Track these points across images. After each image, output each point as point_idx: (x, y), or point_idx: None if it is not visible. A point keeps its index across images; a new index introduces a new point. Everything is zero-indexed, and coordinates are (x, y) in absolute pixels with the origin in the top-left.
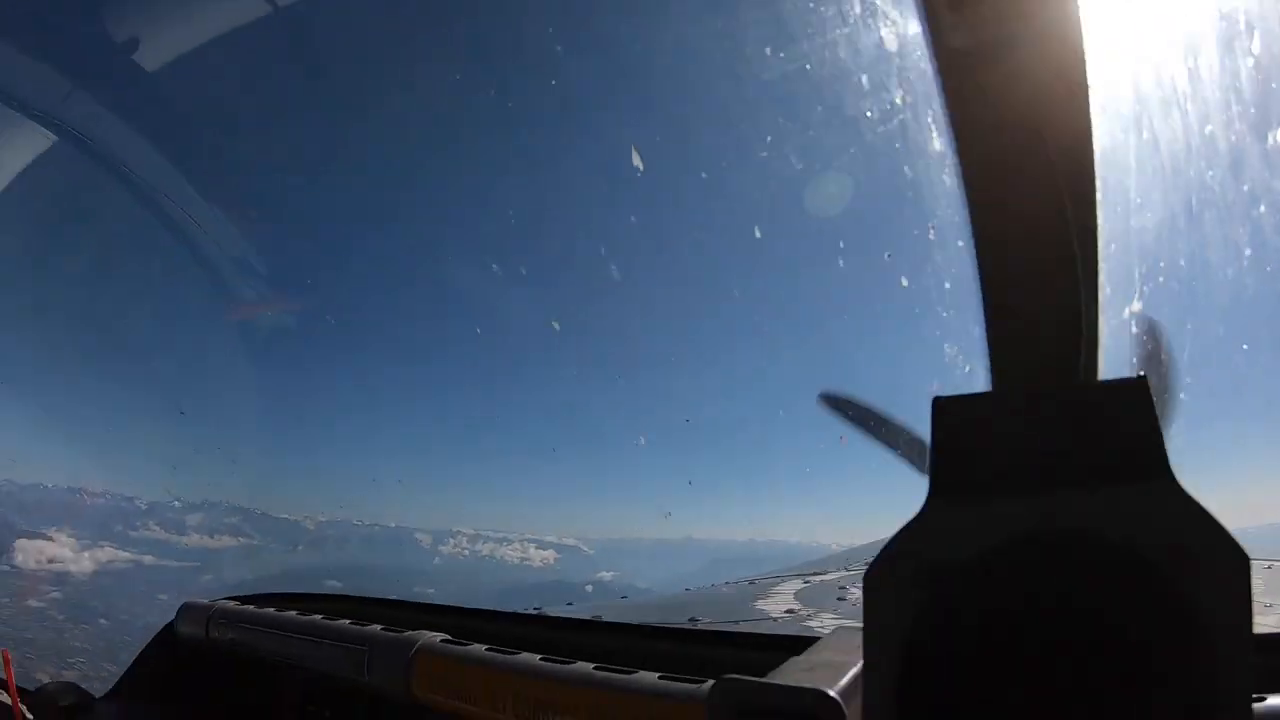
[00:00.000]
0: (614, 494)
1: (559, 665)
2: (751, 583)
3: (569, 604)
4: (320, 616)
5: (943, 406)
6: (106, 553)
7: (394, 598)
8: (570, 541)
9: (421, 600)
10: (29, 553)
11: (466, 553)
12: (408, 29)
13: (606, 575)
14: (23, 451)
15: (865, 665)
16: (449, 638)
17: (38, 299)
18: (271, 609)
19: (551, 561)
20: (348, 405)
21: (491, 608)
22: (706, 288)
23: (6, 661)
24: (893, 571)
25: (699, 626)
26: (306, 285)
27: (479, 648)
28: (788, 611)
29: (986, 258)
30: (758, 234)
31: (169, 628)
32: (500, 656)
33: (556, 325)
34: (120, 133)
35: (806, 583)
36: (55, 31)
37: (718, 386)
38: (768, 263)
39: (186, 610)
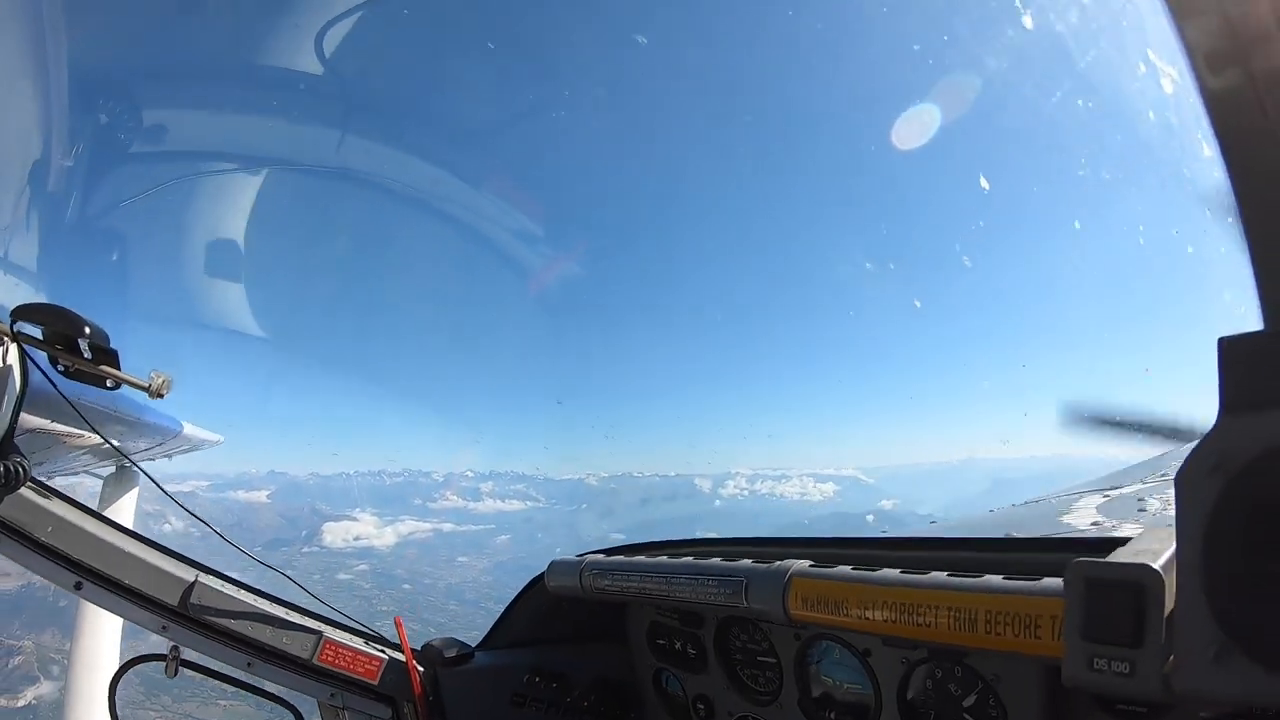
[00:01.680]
0: (890, 420)
1: (918, 575)
2: (1053, 501)
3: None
4: (690, 558)
5: (1227, 345)
6: (407, 525)
7: (736, 536)
8: (849, 472)
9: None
10: (336, 534)
11: (746, 493)
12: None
13: (887, 504)
14: (329, 446)
15: (1177, 545)
16: (814, 563)
17: (338, 308)
18: (641, 556)
19: (831, 494)
20: (627, 362)
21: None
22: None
23: (399, 625)
24: (1196, 471)
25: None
26: (589, 250)
27: (844, 569)
28: (1093, 524)
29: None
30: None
31: (535, 582)
32: (865, 573)
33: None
34: (406, 164)
35: (1105, 497)
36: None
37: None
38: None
39: (556, 566)
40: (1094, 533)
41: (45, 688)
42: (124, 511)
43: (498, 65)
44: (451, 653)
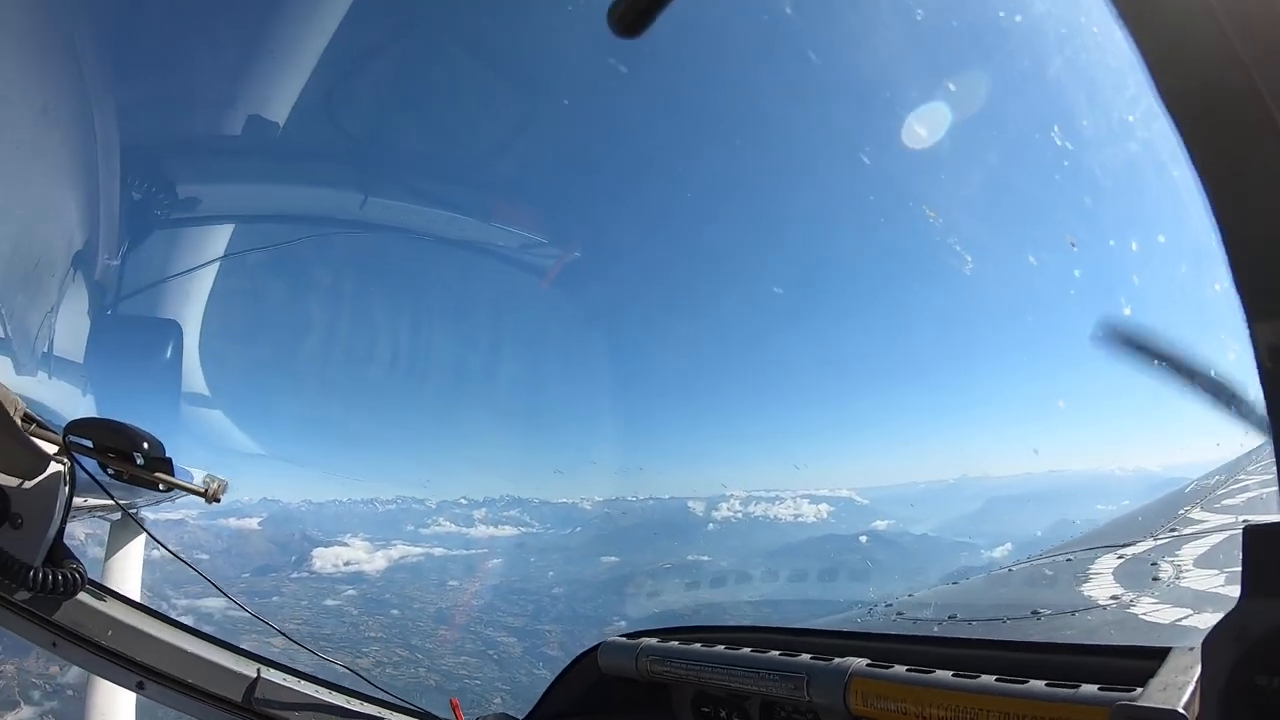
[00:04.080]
0: (883, 441)
1: (969, 679)
2: (1069, 560)
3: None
4: (749, 650)
5: (1251, 533)
6: (398, 550)
7: (792, 626)
8: (843, 493)
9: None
10: (326, 559)
11: (739, 515)
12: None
13: (881, 524)
14: (319, 474)
15: (1202, 696)
16: (872, 662)
17: (335, 338)
18: (698, 644)
19: (825, 515)
20: (620, 385)
21: (763, 568)
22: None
23: (456, 707)
24: (1220, 638)
25: (1060, 629)
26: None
27: (900, 669)
28: (1112, 598)
29: None
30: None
31: (582, 658)
32: (921, 675)
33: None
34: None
35: (1119, 558)
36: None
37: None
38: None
39: (609, 647)
40: (1115, 610)
41: (25, 713)
42: (132, 557)
43: (483, 88)
44: None
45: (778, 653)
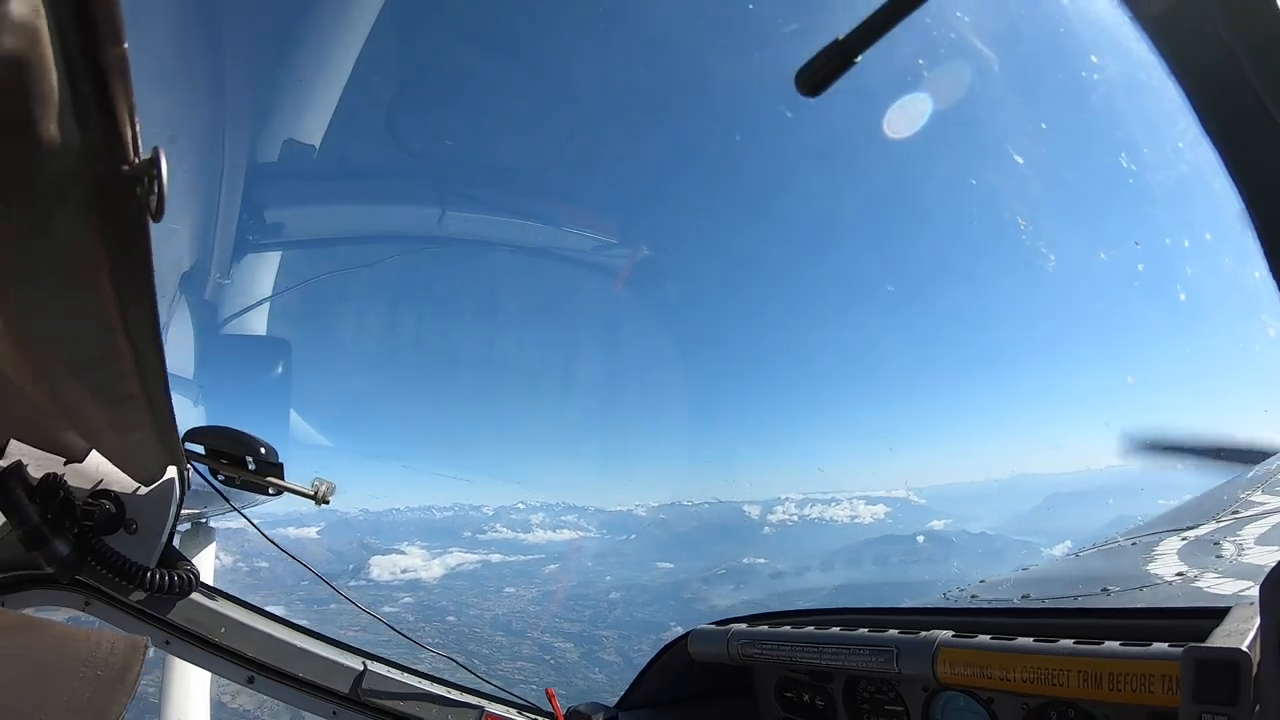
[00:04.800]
0: (939, 439)
1: (1050, 643)
2: (1133, 543)
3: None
4: (837, 629)
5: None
6: (455, 557)
7: (872, 606)
8: (900, 493)
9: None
10: (383, 567)
11: (795, 518)
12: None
13: (938, 524)
14: (379, 483)
15: (1261, 631)
16: (956, 633)
17: (397, 350)
18: (786, 626)
19: (882, 515)
20: (677, 392)
21: (821, 570)
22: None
23: (552, 696)
24: (1275, 584)
25: (1129, 603)
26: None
27: (984, 638)
28: (1177, 574)
29: None
30: None
31: (670, 647)
32: (1003, 642)
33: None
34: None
35: (1182, 540)
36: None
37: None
38: None
39: (700, 634)
40: (1180, 584)
41: None
42: (204, 564)
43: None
44: (599, 715)
45: (866, 630)
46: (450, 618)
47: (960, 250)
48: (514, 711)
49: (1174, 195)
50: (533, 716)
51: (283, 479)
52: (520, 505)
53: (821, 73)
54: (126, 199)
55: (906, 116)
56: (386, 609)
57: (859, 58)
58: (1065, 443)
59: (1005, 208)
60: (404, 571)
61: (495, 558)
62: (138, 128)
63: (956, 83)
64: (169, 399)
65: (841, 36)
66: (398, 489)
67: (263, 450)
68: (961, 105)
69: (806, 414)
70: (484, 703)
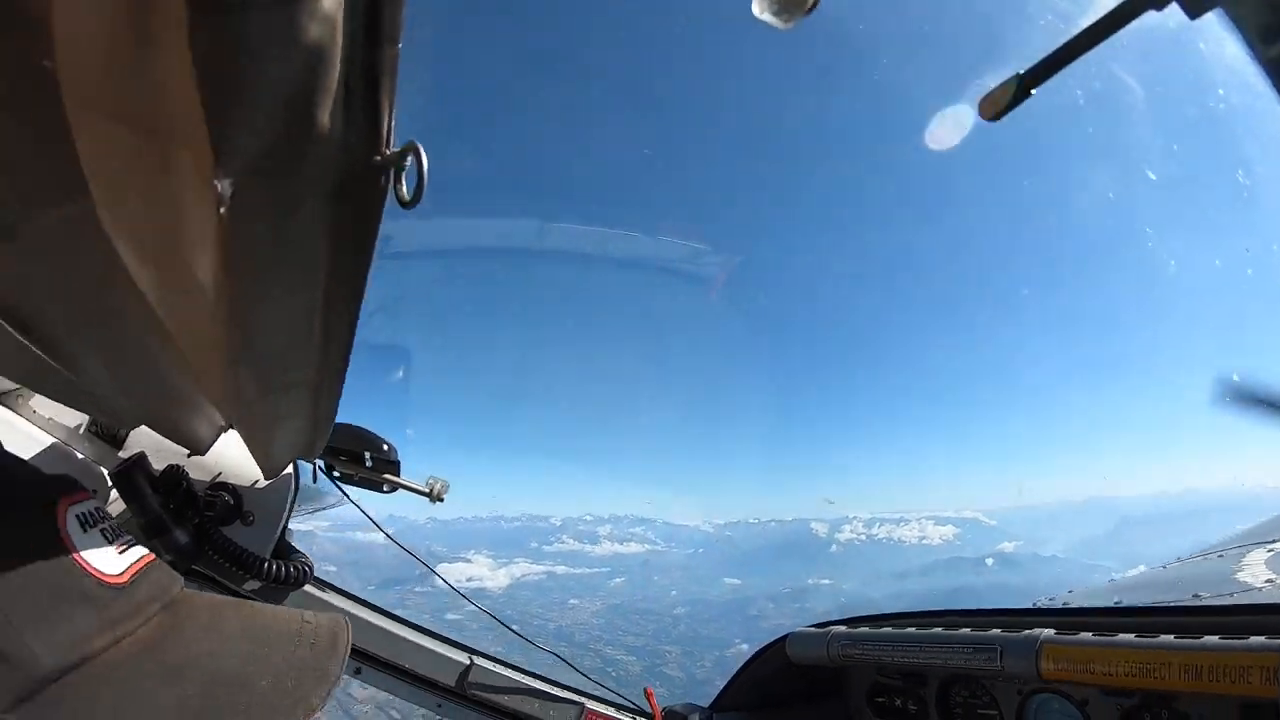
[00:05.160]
0: (1011, 459)
1: (1150, 638)
2: (1220, 555)
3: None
4: (939, 629)
5: None
6: (521, 567)
7: (966, 608)
8: (969, 514)
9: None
10: (449, 575)
11: (863, 538)
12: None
13: (1008, 546)
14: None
15: None
16: (1057, 631)
17: (468, 360)
18: (888, 627)
19: (950, 537)
20: (751, 406)
21: (887, 592)
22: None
23: (650, 696)
24: None
25: (1210, 602)
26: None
27: (1086, 635)
28: (1267, 581)
29: None
30: None
31: (764, 651)
32: (1104, 639)
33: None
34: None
35: (1270, 552)
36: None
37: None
38: None
39: (798, 637)
40: (1270, 590)
41: None
42: None
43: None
44: (695, 717)
45: (969, 630)
46: (514, 627)
47: (1058, 262)
48: (612, 710)
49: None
50: (632, 715)
51: (398, 475)
52: (588, 517)
53: (1001, 103)
54: (371, 189)
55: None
56: (450, 616)
57: (1035, 90)
58: (1143, 465)
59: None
60: (469, 580)
61: (560, 569)
62: (393, 123)
63: (1095, 105)
64: (339, 393)
65: (1023, 71)
66: (465, 498)
67: (385, 447)
68: (1093, 121)
69: (880, 431)
70: (584, 700)
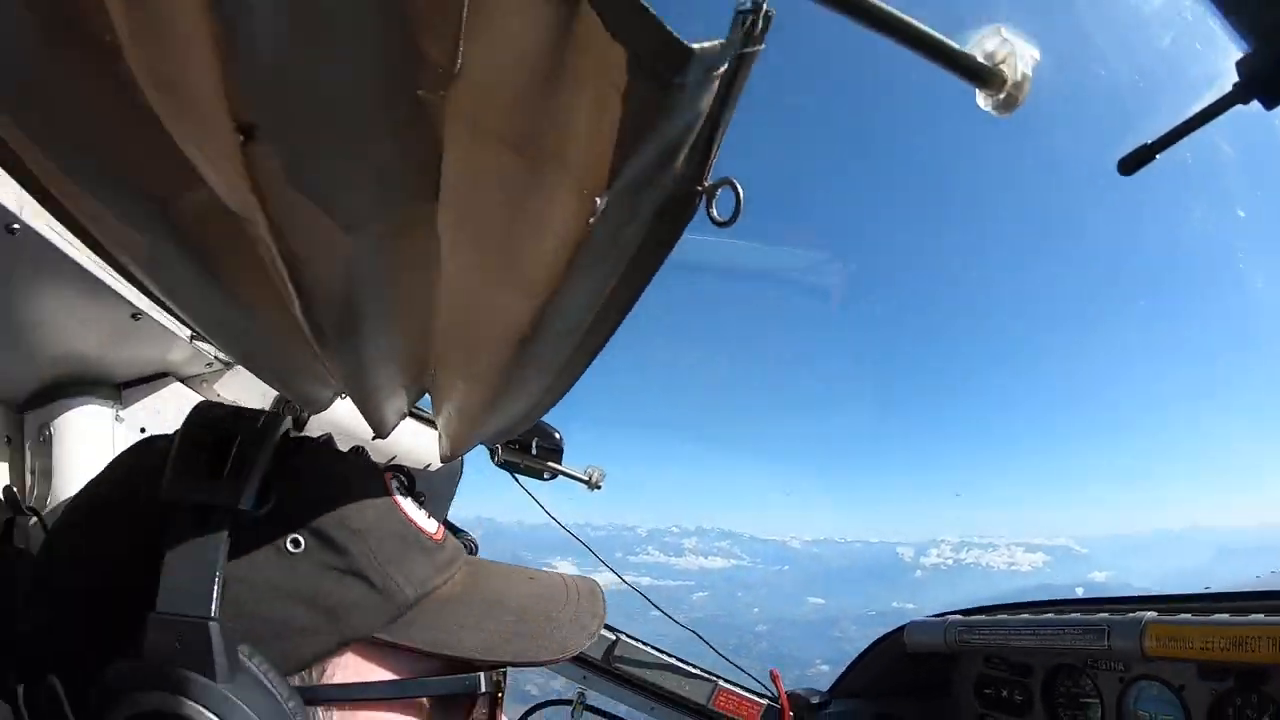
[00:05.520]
0: (1106, 484)
1: (1242, 618)
2: None
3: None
4: (1051, 614)
5: None
6: (604, 577)
7: (1079, 597)
8: (1061, 541)
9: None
10: None
11: (950, 562)
12: None
13: (1100, 576)
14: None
15: None
16: (1159, 613)
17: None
18: (1002, 615)
19: (1040, 564)
20: (846, 422)
21: None
22: None
23: (776, 677)
24: None
25: None
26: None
27: (1186, 615)
28: None
29: None
30: None
31: (880, 641)
32: (1201, 619)
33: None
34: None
35: None
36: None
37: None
38: None
39: (917, 626)
40: None
41: None
42: None
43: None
44: (815, 699)
45: (1078, 614)
46: (659, 606)
47: (1169, 288)
48: (740, 689)
49: None
50: (759, 696)
51: (560, 463)
52: (674, 529)
53: (1139, 161)
54: (685, 209)
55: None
56: None
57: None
58: (1246, 494)
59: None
60: None
61: (644, 580)
62: (715, 160)
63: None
64: (569, 388)
65: (1157, 137)
66: (555, 503)
67: (558, 436)
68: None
69: (973, 453)
70: (715, 679)
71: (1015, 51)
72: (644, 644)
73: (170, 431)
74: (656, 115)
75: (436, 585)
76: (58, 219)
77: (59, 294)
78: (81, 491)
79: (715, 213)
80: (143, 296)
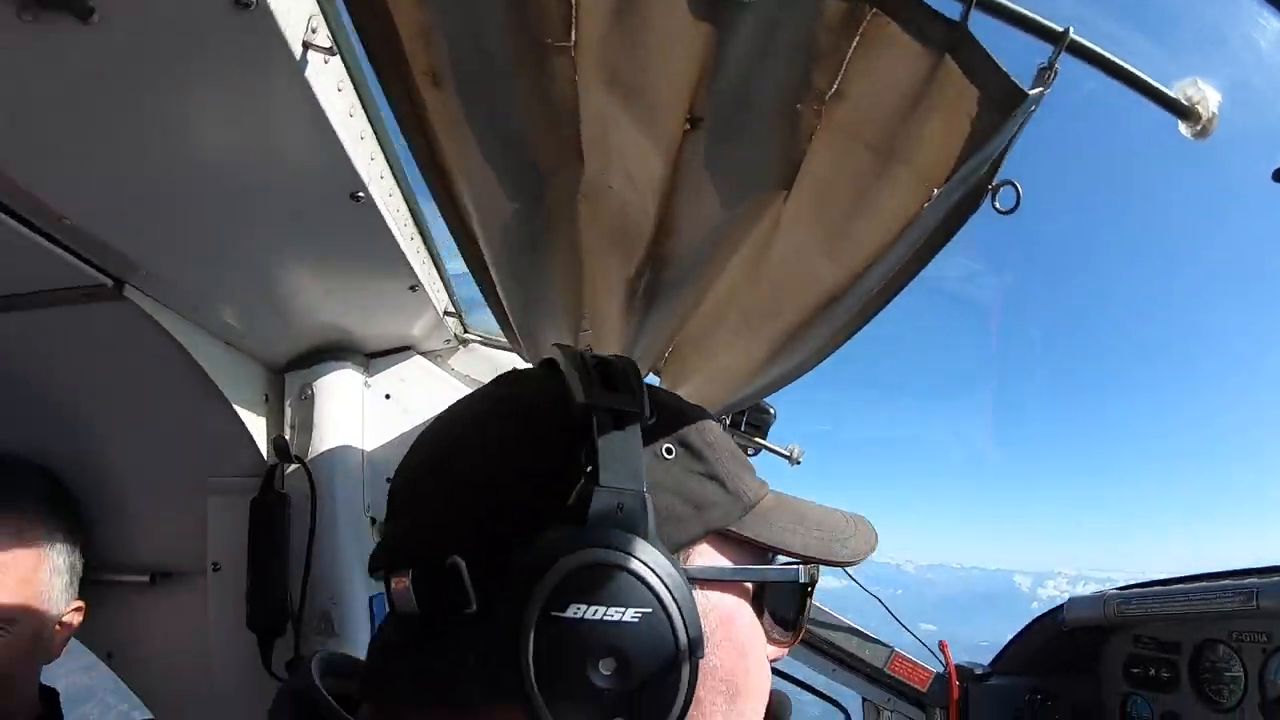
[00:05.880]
0: (1241, 516)
1: None
2: None
3: None
4: (1203, 582)
5: None
6: None
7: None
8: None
9: None
10: None
11: (1066, 594)
12: None
13: None
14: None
15: None
16: None
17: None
18: (1156, 588)
19: None
20: (976, 439)
21: None
22: None
23: (945, 648)
24: None
25: None
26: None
27: None
28: None
29: None
30: None
31: (1035, 622)
32: None
33: None
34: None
35: None
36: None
37: None
38: None
39: (1077, 601)
40: None
41: None
42: None
43: None
44: (978, 671)
45: (1229, 580)
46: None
47: None
48: (914, 657)
49: None
50: (926, 665)
51: (765, 439)
52: None
53: None
54: (976, 201)
55: None
56: None
57: None
58: None
59: None
60: None
61: None
62: (1003, 163)
63: None
64: (844, 343)
65: None
66: None
67: (772, 410)
68: None
69: (1102, 482)
70: (892, 646)
71: (1207, 96)
72: (826, 607)
73: (414, 399)
74: (994, 135)
75: (763, 495)
76: (431, 183)
77: (360, 263)
78: (465, 408)
79: (998, 204)
80: (424, 266)
